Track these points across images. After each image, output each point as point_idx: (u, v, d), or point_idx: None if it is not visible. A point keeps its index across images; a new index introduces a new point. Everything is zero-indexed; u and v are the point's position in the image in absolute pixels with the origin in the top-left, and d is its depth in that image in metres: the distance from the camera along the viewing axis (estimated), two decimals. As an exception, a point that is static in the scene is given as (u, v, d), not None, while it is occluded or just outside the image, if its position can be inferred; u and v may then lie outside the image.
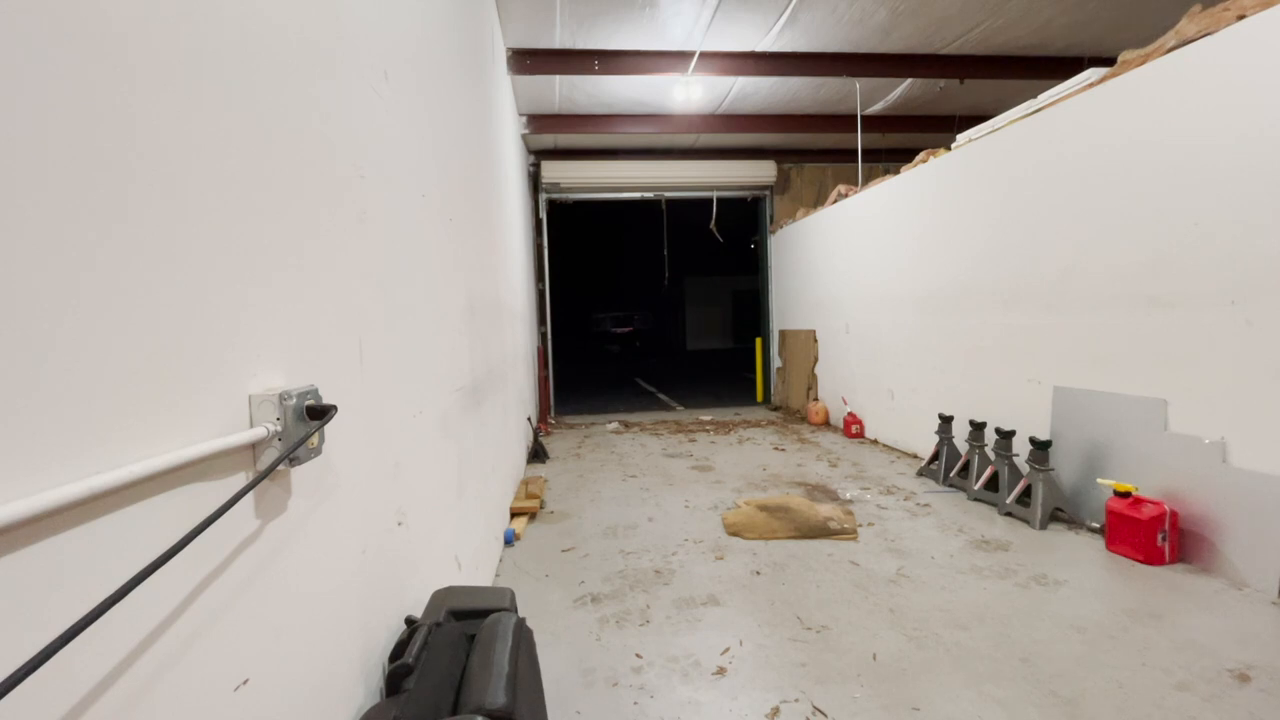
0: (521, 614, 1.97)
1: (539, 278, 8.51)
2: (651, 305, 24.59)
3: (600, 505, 4.37)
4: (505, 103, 5.32)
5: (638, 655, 2.38)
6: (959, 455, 4.57)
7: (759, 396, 9.53)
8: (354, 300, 1.42)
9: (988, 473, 4.06)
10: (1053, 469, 3.71)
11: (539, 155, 8.56)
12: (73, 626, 0.58)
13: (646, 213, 12.24)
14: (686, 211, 10.18)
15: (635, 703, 2.08)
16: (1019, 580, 2.93)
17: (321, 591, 1.20)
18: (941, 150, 5.19)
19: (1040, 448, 3.66)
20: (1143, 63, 3.28)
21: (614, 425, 7.78)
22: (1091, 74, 3.70)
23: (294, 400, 1.03)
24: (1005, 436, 3.97)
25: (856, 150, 7.73)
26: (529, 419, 6.20)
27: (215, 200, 0.90)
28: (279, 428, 1.00)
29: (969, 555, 3.24)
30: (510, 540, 3.64)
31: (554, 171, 8.52)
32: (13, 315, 0.58)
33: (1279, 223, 2.65)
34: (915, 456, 5.54)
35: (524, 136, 7.45)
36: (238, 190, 0.96)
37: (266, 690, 0.98)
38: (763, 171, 9.01)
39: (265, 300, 1.03)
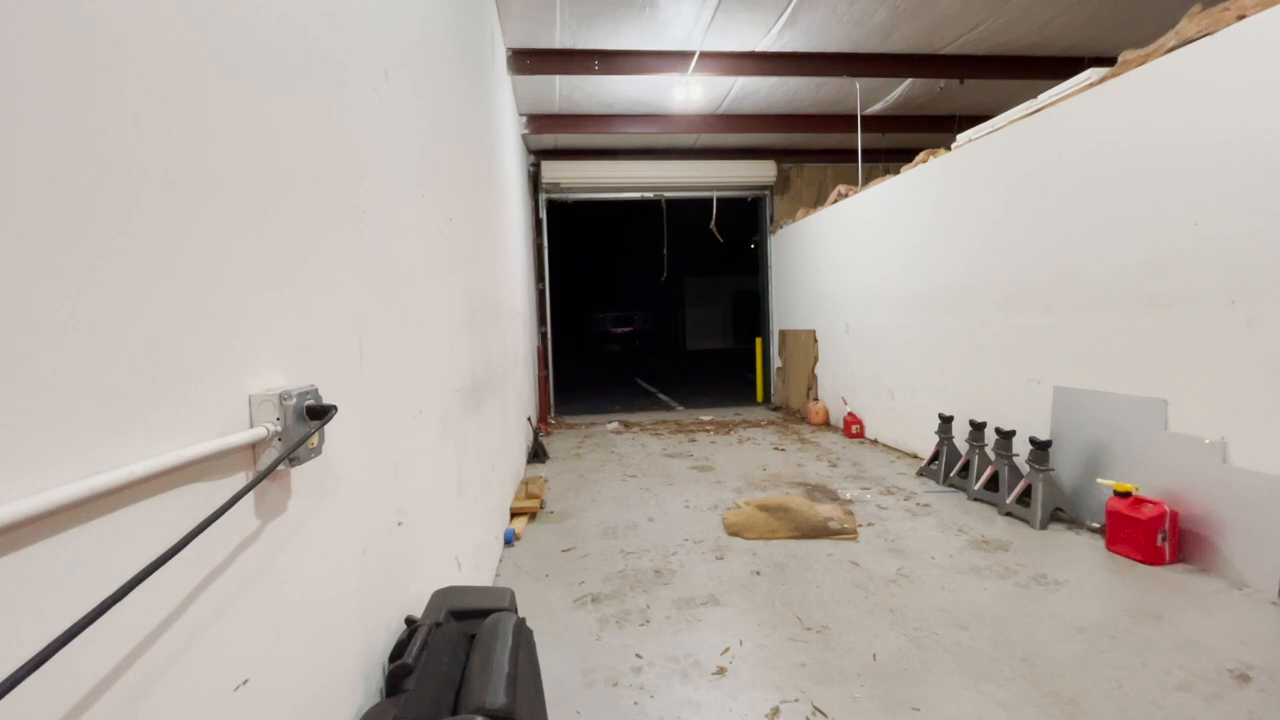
0: (521, 614, 1.97)
1: (539, 278, 8.50)
2: (651, 305, 24.59)
3: (600, 505, 4.37)
4: (505, 103, 5.32)
5: (638, 655, 2.38)
6: (959, 455, 4.57)
7: (759, 396, 9.53)
8: (354, 300, 1.41)
9: (988, 473, 4.06)
10: (1053, 469, 3.71)
11: (539, 155, 8.56)
12: (73, 626, 0.58)
13: (646, 213, 12.23)
14: (686, 211, 10.17)
15: (635, 703, 2.08)
16: (1019, 580, 2.93)
17: (321, 591, 1.20)
18: (941, 150, 5.19)
19: (1040, 448, 3.66)
20: (1143, 63, 3.28)
21: (614, 425, 7.78)
22: (1091, 74, 3.70)
23: (294, 400, 1.03)
24: (1005, 436, 3.97)
25: (856, 150, 7.73)
26: (529, 419, 6.20)
27: (214, 200, 0.90)
28: (279, 428, 1.00)
29: (969, 555, 3.24)
30: (510, 540, 3.64)
31: (554, 171, 8.52)
32: (14, 315, 0.58)
33: (1279, 223, 2.65)
34: (915, 456, 5.54)
35: (524, 136, 7.45)
36: (237, 190, 0.96)
37: (266, 690, 0.98)
38: (763, 171, 9.01)
39: (265, 300, 1.03)
